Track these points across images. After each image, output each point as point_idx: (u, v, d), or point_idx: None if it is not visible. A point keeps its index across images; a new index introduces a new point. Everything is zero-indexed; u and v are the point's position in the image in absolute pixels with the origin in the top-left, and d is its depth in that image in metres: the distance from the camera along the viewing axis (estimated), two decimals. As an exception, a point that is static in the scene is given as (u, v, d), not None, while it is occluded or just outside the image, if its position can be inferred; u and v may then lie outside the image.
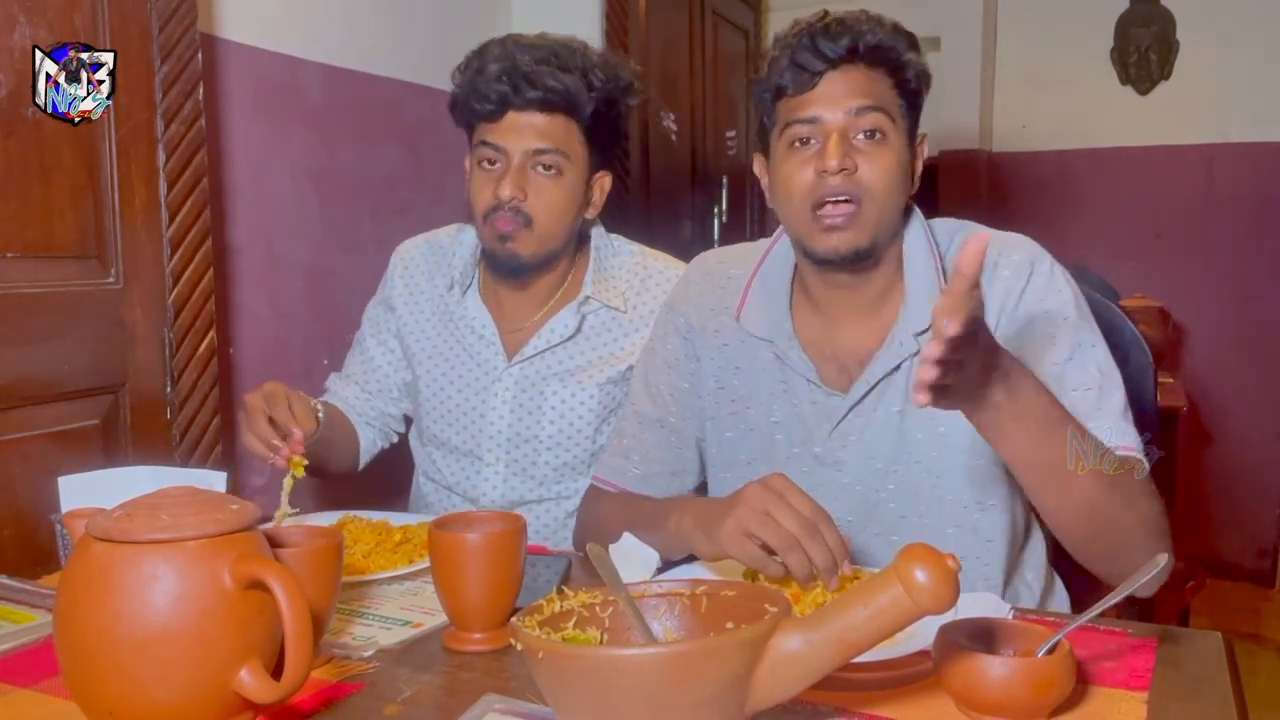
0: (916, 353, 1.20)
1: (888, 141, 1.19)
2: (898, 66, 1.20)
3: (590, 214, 1.58)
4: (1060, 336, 1.17)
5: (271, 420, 1.32)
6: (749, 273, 1.33)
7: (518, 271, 1.54)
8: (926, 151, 1.27)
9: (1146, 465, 1.11)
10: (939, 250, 1.25)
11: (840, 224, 1.17)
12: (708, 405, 1.36)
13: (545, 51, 1.46)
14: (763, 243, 1.36)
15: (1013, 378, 0.96)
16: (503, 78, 1.44)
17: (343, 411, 1.67)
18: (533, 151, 1.47)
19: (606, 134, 1.53)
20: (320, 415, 1.42)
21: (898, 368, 1.22)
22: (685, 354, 1.37)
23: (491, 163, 1.49)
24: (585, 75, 1.47)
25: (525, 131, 1.46)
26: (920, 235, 1.26)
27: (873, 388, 1.23)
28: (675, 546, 1.16)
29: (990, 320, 1.18)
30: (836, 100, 1.18)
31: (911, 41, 1.22)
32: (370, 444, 1.71)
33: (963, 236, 1.26)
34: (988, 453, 1.19)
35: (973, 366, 0.91)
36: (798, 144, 1.19)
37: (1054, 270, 1.21)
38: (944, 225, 1.29)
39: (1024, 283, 1.19)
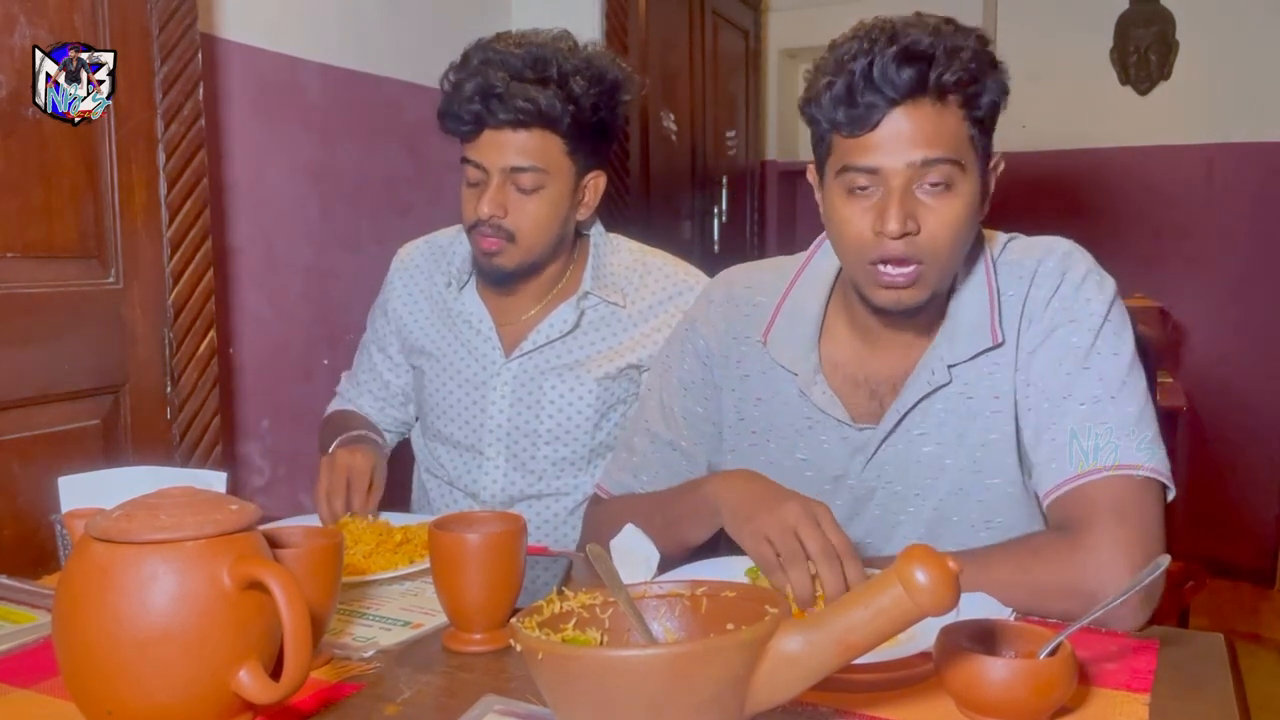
0: (948, 384, 1.16)
1: (956, 190, 1.07)
2: (974, 96, 1.07)
3: (583, 214, 1.57)
4: (1078, 346, 1.12)
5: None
6: (777, 299, 1.26)
7: (505, 280, 1.56)
8: (1001, 169, 1.16)
9: (1159, 478, 1.07)
10: (994, 268, 1.18)
11: (900, 282, 1.08)
12: (728, 437, 1.31)
13: (521, 62, 1.44)
14: (792, 263, 1.29)
15: None
16: (475, 98, 1.43)
17: (374, 424, 1.71)
18: (510, 169, 1.46)
19: (594, 137, 1.51)
20: (385, 458, 1.57)
21: (926, 395, 1.18)
22: (702, 378, 1.32)
23: (474, 179, 1.49)
24: (563, 85, 1.44)
25: (503, 149, 1.45)
26: (978, 262, 1.18)
27: (903, 418, 1.19)
28: (701, 515, 1.13)
29: (1021, 329, 1.16)
30: (900, 148, 1.05)
31: (992, 63, 1.08)
32: (391, 444, 1.75)
33: (1012, 249, 1.20)
34: (1001, 476, 1.17)
35: None
36: (856, 189, 1.09)
37: (1087, 278, 1.15)
38: (992, 236, 1.23)
39: (1052, 292, 1.14)
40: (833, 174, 1.11)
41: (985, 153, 1.11)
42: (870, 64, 1.04)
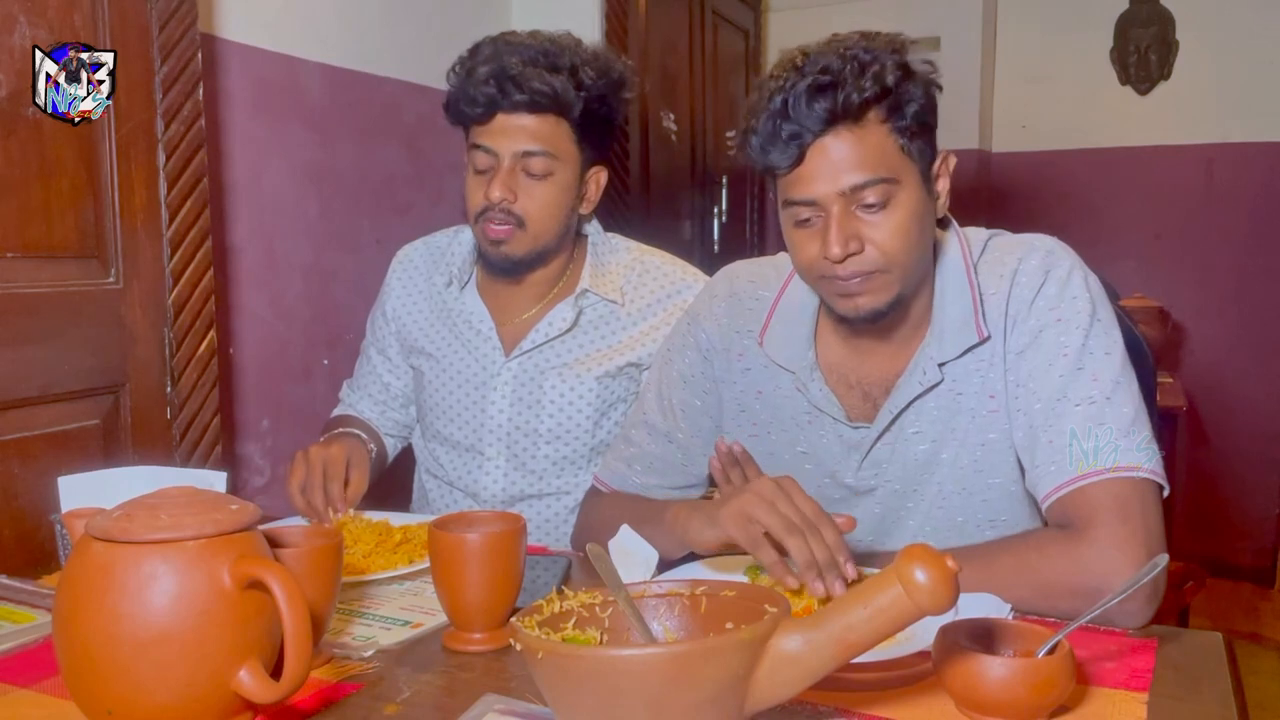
0: (940, 383, 1.18)
1: (894, 204, 1.09)
2: (894, 108, 1.08)
3: (585, 209, 1.59)
4: (1069, 347, 1.12)
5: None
6: (774, 295, 1.29)
7: (512, 270, 1.56)
8: (953, 165, 1.17)
9: (1156, 479, 1.07)
10: (973, 264, 1.19)
11: (856, 289, 1.12)
12: (729, 429, 1.32)
13: (534, 51, 1.46)
14: (788, 261, 1.30)
15: None
16: (490, 80, 1.45)
17: (372, 427, 1.70)
18: (522, 153, 1.47)
19: (599, 130, 1.53)
20: (372, 454, 1.56)
21: (920, 395, 1.19)
22: (702, 372, 1.33)
23: (483, 164, 1.50)
24: (574, 74, 1.47)
25: (515, 133, 1.47)
26: (956, 260, 1.19)
27: (896, 417, 1.20)
28: (672, 539, 1.15)
29: (1007, 328, 1.16)
30: (830, 176, 1.08)
31: (906, 71, 1.09)
32: (393, 448, 1.75)
33: (994, 247, 1.20)
34: (1002, 475, 1.18)
35: None
36: (800, 219, 1.12)
37: (1071, 276, 1.15)
38: (974, 234, 1.23)
39: (1035, 291, 1.15)
40: (781, 205, 1.14)
41: (926, 157, 1.12)
42: (785, 101, 1.06)
